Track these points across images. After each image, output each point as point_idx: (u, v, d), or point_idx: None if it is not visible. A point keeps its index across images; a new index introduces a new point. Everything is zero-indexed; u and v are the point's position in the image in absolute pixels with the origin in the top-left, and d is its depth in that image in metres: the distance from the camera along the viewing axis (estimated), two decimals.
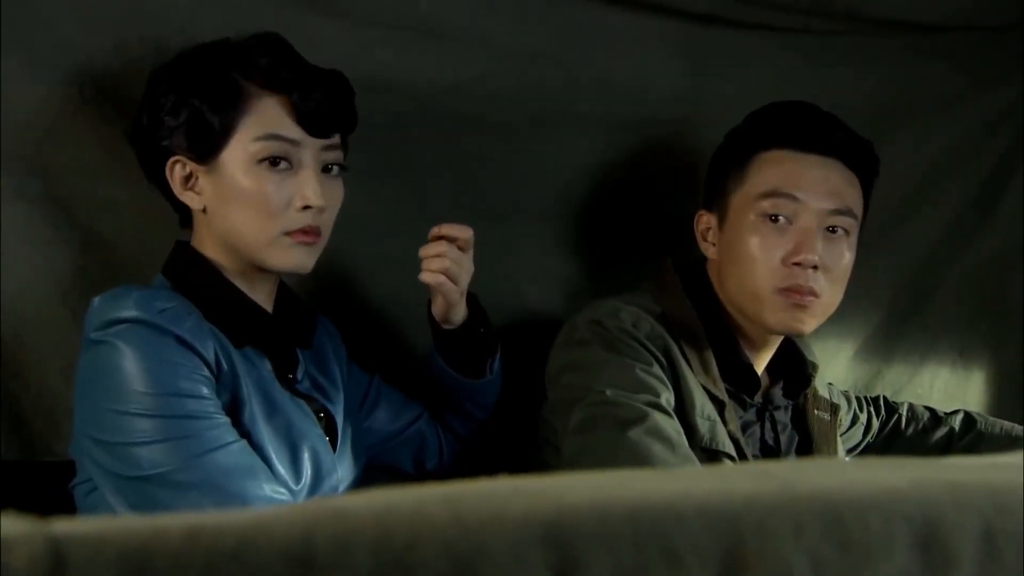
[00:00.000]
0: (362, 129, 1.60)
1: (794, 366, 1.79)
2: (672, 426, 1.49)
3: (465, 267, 1.52)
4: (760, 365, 1.72)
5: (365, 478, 1.56)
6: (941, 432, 2.02)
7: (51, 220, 1.53)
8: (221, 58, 1.38)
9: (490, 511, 0.51)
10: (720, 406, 1.60)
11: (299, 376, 1.48)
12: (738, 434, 1.60)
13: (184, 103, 1.36)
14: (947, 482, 0.57)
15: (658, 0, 1.79)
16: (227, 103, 1.35)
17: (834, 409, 1.80)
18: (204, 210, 1.39)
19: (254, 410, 1.35)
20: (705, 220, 1.69)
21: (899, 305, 2.23)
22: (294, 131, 1.36)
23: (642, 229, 1.94)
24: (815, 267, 1.57)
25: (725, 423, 1.59)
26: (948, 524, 0.56)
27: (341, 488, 1.46)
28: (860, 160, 1.63)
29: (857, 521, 0.54)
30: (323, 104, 1.37)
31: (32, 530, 0.45)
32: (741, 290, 1.62)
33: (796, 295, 1.57)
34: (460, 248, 1.52)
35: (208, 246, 1.42)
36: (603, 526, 0.52)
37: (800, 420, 1.77)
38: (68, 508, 1.39)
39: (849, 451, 1.94)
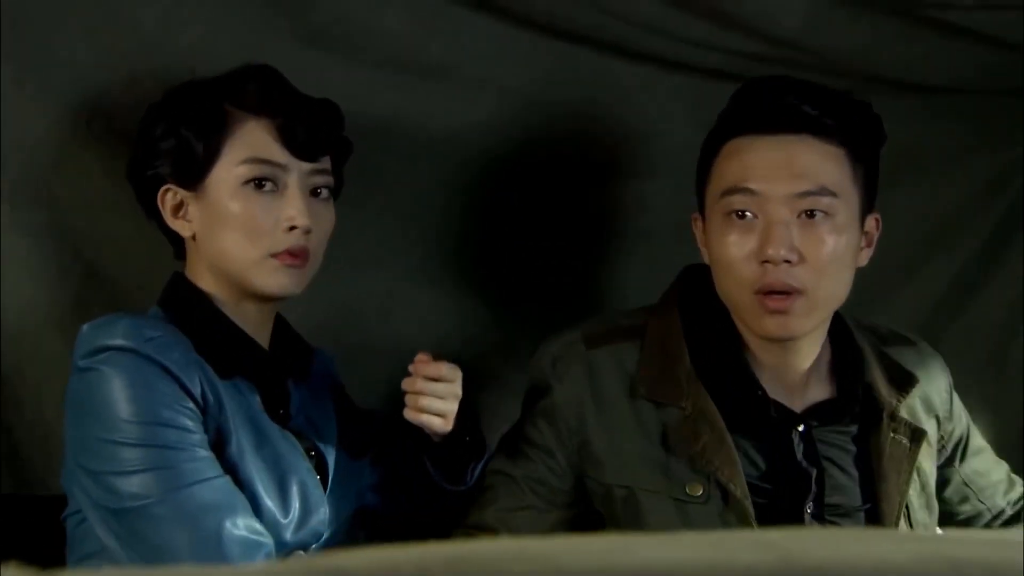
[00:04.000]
0: (370, 169, 1.62)
1: (849, 376, 1.57)
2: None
3: (451, 395, 1.46)
4: (790, 376, 1.53)
5: (356, 521, 1.55)
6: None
7: (54, 253, 1.54)
8: (210, 87, 1.41)
9: (494, 574, 0.51)
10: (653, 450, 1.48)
11: (292, 411, 1.47)
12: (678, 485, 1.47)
13: (172, 131, 1.39)
14: (948, 558, 0.57)
15: (668, 54, 1.80)
16: (211, 128, 1.38)
17: (916, 435, 1.55)
18: (194, 237, 1.41)
19: (242, 442, 1.35)
20: (698, 224, 1.57)
21: None
22: (279, 154, 1.39)
23: (644, 279, 1.95)
24: (788, 261, 1.42)
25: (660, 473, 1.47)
26: None
27: (330, 527, 1.45)
28: (842, 129, 1.46)
29: None
30: (309, 128, 1.40)
31: None
32: (726, 297, 1.50)
33: (773, 299, 1.43)
34: (443, 380, 1.45)
35: (201, 276, 1.43)
36: None
37: (868, 440, 1.55)
38: (61, 541, 1.38)
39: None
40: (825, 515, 1.50)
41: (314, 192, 1.43)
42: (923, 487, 1.58)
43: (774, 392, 1.52)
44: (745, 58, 1.77)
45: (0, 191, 1.48)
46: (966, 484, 1.73)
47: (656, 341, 1.53)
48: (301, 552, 1.40)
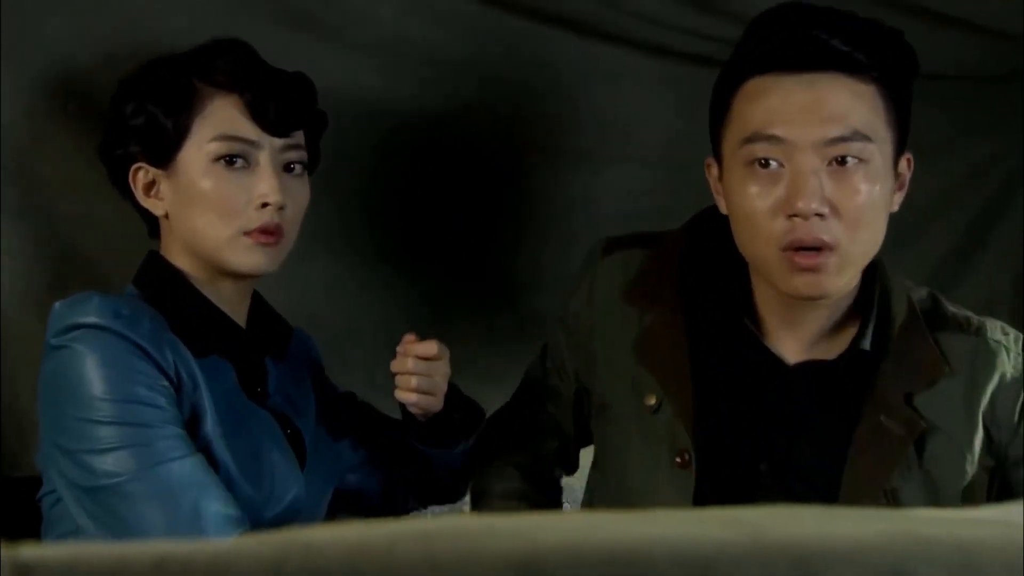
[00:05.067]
0: (351, 153, 1.61)
1: (852, 342, 1.42)
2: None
3: (441, 374, 1.48)
4: (800, 330, 1.42)
5: (336, 502, 1.55)
6: None
7: (31, 233, 1.53)
8: (180, 63, 1.39)
9: (463, 551, 0.51)
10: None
11: (271, 390, 1.47)
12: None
13: (141, 109, 1.38)
14: (918, 536, 0.57)
15: (652, 40, 1.80)
16: (180, 105, 1.36)
17: (911, 426, 1.40)
18: (167, 215, 1.40)
19: (216, 422, 1.34)
20: (712, 169, 1.43)
21: None
22: (250, 130, 1.37)
23: None
24: (820, 214, 1.29)
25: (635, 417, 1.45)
26: None
27: (307, 506, 1.44)
28: (875, 64, 1.31)
29: (827, 573, 0.54)
30: (279, 103, 1.38)
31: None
32: (747, 252, 1.38)
33: (803, 256, 1.30)
34: (433, 359, 1.47)
35: (175, 254, 1.42)
36: (577, 569, 0.52)
37: (854, 415, 1.41)
38: (36, 521, 1.38)
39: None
40: (785, 476, 1.41)
41: (287, 167, 1.41)
42: (930, 488, 1.42)
43: (776, 335, 1.44)
44: (730, 44, 1.77)
45: None
46: None
47: (663, 251, 1.50)
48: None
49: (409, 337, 1.46)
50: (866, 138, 1.30)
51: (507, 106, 1.81)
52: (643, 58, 1.84)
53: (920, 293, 1.51)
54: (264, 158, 1.38)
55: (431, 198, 1.83)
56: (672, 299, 1.45)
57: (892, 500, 1.40)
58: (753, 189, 1.32)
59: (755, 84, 1.33)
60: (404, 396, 1.46)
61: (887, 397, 1.41)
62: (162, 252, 1.43)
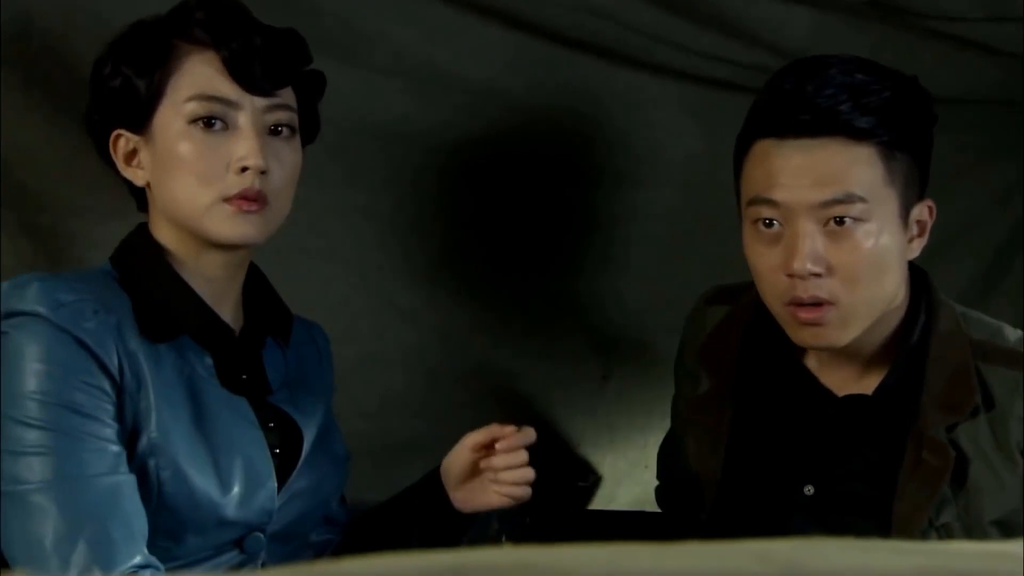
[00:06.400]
0: (381, 178, 1.63)
1: (889, 378, 1.46)
2: None
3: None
4: (844, 364, 1.47)
5: (335, 521, 1.50)
6: None
7: (55, 256, 1.53)
8: (160, 22, 1.30)
9: None
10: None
11: (275, 384, 1.37)
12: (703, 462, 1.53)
13: (117, 71, 1.29)
14: (951, 571, 0.57)
15: (675, 64, 1.81)
16: (153, 64, 1.27)
17: (944, 456, 1.40)
18: (149, 186, 1.31)
19: (169, 417, 1.23)
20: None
21: None
22: (229, 89, 1.27)
23: (646, 289, 1.95)
24: (816, 274, 1.33)
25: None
26: None
27: (296, 505, 1.35)
28: (880, 127, 1.33)
29: None
30: (261, 59, 1.27)
31: None
32: (765, 302, 1.42)
33: (804, 311, 1.35)
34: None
35: (160, 227, 1.32)
36: None
37: (896, 447, 1.44)
38: None
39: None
40: (832, 502, 1.45)
41: (273, 130, 1.30)
42: (975, 521, 1.43)
43: (825, 370, 1.49)
44: (752, 70, 1.78)
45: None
46: None
47: (739, 308, 1.56)
48: (259, 535, 1.30)
49: (507, 429, 1.38)
50: (862, 199, 1.33)
51: (535, 130, 1.82)
52: (669, 82, 1.84)
53: (986, 325, 1.50)
54: (244, 119, 1.27)
55: (462, 221, 1.84)
56: (729, 365, 1.53)
57: (945, 537, 1.41)
58: (760, 248, 1.38)
59: (761, 146, 1.37)
60: (521, 493, 1.38)
61: (928, 430, 1.42)
62: (150, 227, 1.34)
